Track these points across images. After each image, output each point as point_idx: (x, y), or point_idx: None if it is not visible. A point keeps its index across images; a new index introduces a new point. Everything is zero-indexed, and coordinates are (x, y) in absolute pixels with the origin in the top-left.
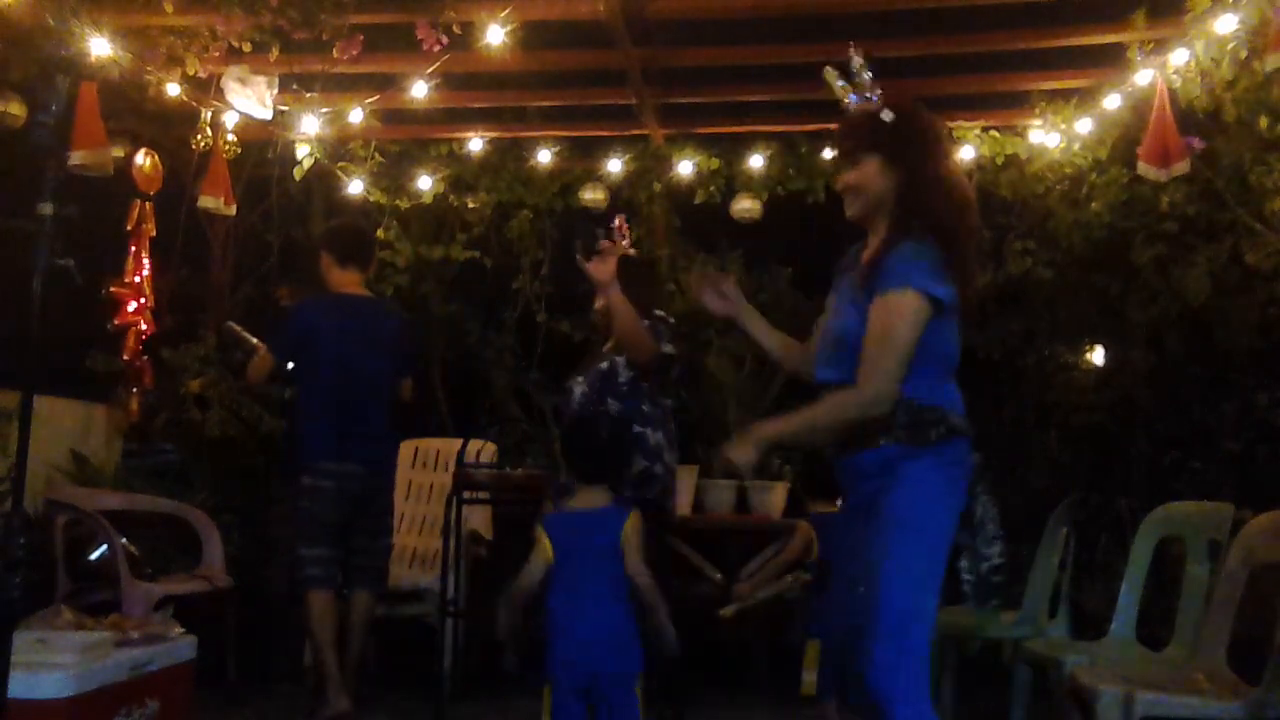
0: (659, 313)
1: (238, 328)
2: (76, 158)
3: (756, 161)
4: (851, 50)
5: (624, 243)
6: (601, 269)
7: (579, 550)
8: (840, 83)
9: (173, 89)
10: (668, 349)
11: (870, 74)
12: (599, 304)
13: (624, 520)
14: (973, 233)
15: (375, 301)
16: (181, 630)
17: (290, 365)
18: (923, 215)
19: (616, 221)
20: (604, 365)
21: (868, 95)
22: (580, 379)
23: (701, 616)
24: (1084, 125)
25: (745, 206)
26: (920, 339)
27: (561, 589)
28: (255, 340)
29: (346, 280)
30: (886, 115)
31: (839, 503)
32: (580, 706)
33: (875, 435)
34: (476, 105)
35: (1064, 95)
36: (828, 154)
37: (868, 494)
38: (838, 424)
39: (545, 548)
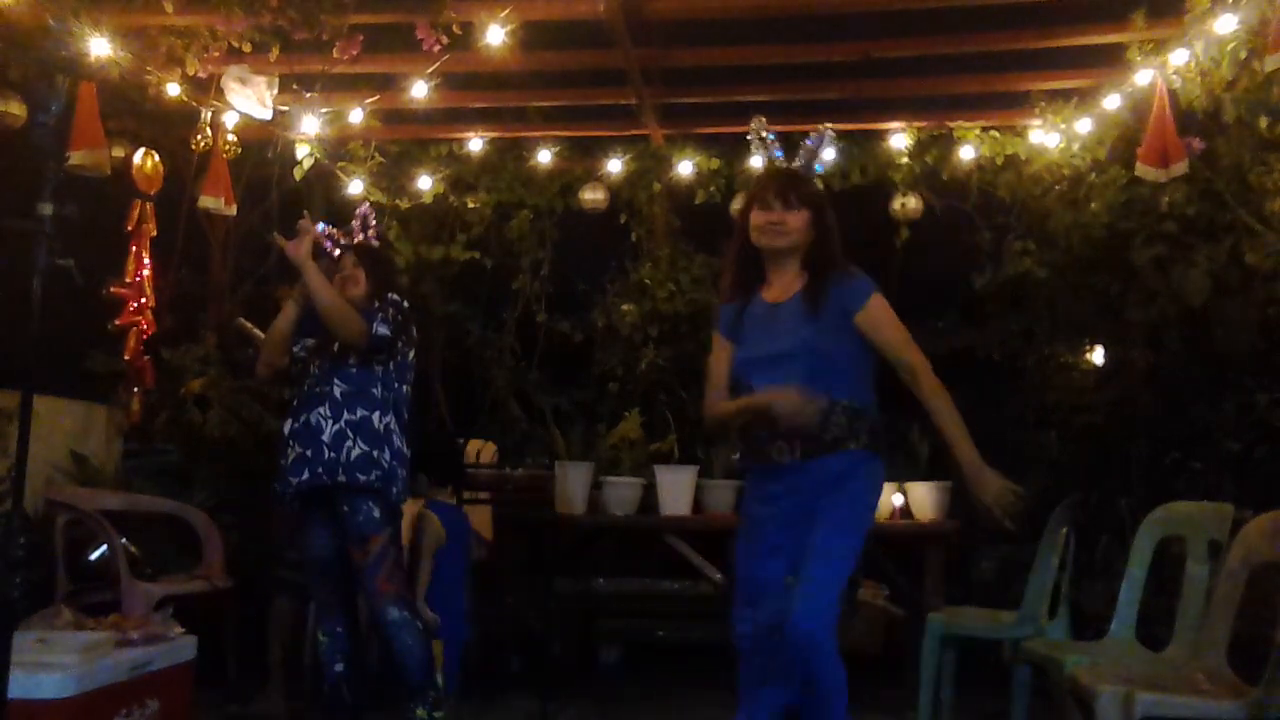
0: (394, 296)
1: (247, 324)
2: (74, 158)
3: (756, 161)
4: (753, 122)
5: (371, 233)
6: (294, 247)
7: None
8: (764, 135)
9: (173, 89)
10: (382, 330)
11: (770, 135)
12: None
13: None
14: None
15: None
16: (181, 630)
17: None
18: (834, 260)
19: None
20: (335, 345)
21: (777, 153)
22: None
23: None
24: (1084, 125)
25: None
26: (865, 348)
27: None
28: (264, 336)
29: None
30: (818, 184)
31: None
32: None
33: (844, 442)
34: (476, 105)
35: (1064, 95)
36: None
37: (818, 493)
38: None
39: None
